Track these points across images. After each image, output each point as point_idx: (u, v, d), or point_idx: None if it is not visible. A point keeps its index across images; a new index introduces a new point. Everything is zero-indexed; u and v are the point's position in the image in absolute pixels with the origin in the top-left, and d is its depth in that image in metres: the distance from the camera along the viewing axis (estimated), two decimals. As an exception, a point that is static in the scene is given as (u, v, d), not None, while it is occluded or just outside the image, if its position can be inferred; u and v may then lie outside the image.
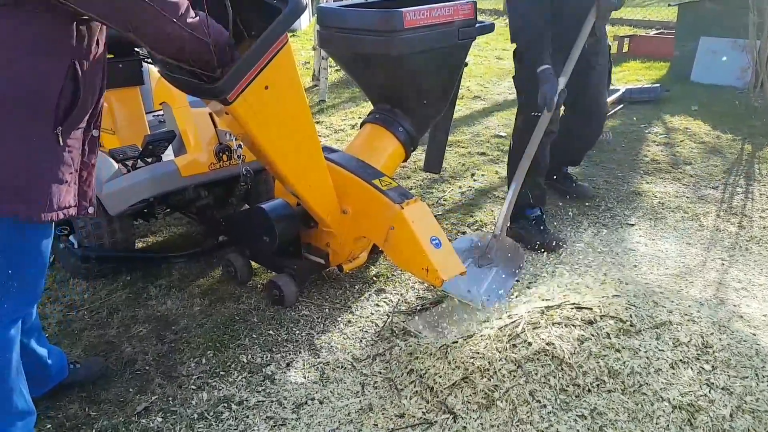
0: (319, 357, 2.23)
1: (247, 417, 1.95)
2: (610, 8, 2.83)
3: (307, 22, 9.16)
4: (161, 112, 2.95)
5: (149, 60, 2.74)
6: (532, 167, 2.89)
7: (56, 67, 1.44)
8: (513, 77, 3.10)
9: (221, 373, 2.16)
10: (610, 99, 5.30)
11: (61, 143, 1.49)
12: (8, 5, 1.36)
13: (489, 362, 1.88)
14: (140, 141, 2.68)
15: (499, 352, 1.90)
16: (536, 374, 1.79)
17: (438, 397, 1.90)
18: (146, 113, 3.01)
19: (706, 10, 6.11)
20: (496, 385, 1.81)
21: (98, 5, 1.43)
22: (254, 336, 2.35)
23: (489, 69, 6.93)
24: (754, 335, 2.02)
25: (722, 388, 1.72)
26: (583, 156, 3.67)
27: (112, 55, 2.37)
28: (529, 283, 2.68)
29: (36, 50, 1.41)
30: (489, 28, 2.89)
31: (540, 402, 1.73)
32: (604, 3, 2.77)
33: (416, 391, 1.97)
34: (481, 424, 1.75)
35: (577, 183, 3.67)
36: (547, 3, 2.75)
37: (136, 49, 2.81)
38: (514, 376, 1.81)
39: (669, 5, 8.24)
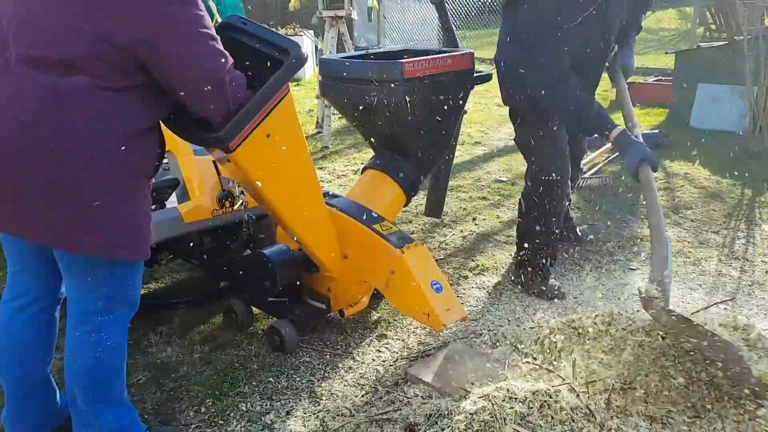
0: (319, 405, 2.21)
1: (246, 467, 1.91)
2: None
3: (311, 71, 9.37)
4: (166, 161, 2.99)
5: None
6: (549, 231, 2.89)
7: (158, 132, 1.75)
8: (515, 140, 3.00)
9: (220, 422, 2.13)
10: (609, 145, 5.35)
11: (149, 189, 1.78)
12: (132, 87, 1.60)
13: (492, 416, 1.85)
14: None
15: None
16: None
17: (439, 446, 1.87)
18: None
19: (702, 57, 6.24)
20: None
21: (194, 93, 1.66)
22: (254, 383, 2.33)
23: (489, 115, 7.03)
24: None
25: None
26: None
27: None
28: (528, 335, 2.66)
29: (153, 122, 1.70)
30: (487, 78, 2.97)
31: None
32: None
33: (417, 440, 1.93)
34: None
35: (576, 225, 3.66)
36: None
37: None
38: None
39: (666, 53, 8.40)
